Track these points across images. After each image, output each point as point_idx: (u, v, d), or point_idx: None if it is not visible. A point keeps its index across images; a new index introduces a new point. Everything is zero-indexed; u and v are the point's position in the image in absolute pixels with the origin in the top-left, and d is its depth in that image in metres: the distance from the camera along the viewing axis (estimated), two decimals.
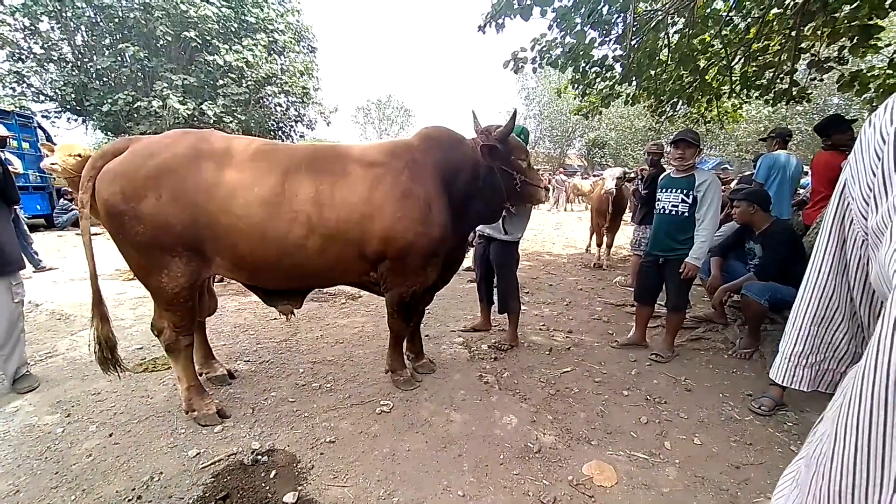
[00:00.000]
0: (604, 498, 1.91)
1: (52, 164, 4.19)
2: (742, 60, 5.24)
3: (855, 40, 3.98)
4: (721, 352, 3.50)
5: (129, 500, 1.81)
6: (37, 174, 9.04)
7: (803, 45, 4.59)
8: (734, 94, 5.63)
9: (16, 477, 1.94)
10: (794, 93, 5.01)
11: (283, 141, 17.93)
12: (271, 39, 16.55)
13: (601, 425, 2.45)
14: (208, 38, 14.52)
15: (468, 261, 6.03)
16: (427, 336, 3.70)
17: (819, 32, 4.51)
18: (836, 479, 0.56)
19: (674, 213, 3.16)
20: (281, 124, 19.70)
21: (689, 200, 3.08)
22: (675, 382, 2.99)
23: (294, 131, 20.65)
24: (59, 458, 2.07)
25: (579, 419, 2.52)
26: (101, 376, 2.84)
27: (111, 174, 2.01)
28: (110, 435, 2.25)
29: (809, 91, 5.41)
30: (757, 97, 5.59)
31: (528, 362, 3.23)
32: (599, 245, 6.70)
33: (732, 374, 3.15)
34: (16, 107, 12.25)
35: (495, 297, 3.65)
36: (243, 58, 14.81)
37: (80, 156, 4.16)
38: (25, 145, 9.24)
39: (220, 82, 15.20)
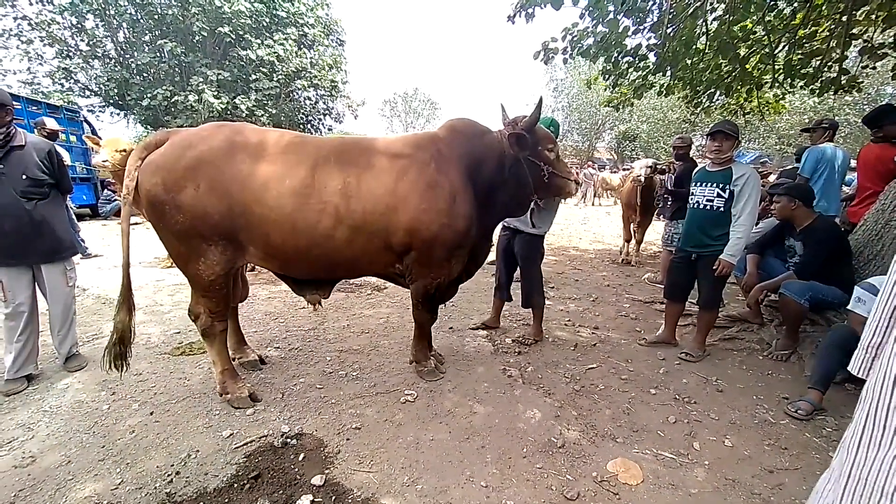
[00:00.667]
0: (629, 496, 1.88)
1: (103, 161, 4.44)
2: (786, 48, 4.96)
3: None
4: (756, 353, 3.37)
5: (169, 475, 1.91)
6: (83, 166, 9.53)
7: (855, 30, 4.32)
8: (777, 84, 5.34)
9: (67, 448, 2.08)
10: (844, 82, 4.70)
11: (312, 134, 18.26)
12: (301, 33, 16.78)
13: (627, 423, 2.42)
14: (241, 33, 14.88)
15: (493, 254, 6.02)
16: (451, 329, 3.73)
17: (873, 17, 4.22)
18: (858, 430, 0.60)
19: (708, 207, 3.05)
20: (310, 117, 20.03)
21: (725, 195, 2.97)
22: (705, 382, 2.91)
23: (322, 124, 20.97)
24: (105, 432, 2.21)
25: (605, 416, 2.49)
26: (143, 358, 3.01)
27: (153, 166, 2.11)
28: (151, 413, 2.38)
29: (861, 80, 5.08)
30: (802, 87, 5.28)
31: (553, 357, 3.21)
32: (628, 240, 6.53)
33: (768, 375, 3.03)
34: (64, 102, 12.93)
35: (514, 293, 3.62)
36: (274, 52, 15.10)
37: (125, 151, 4.40)
38: (73, 138, 9.75)
39: (253, 77, 15.57)
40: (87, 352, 3.08)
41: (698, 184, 3.16)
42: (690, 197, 3.23)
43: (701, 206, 3.11)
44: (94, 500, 1.77)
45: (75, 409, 2.41)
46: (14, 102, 2.56)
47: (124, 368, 2.28)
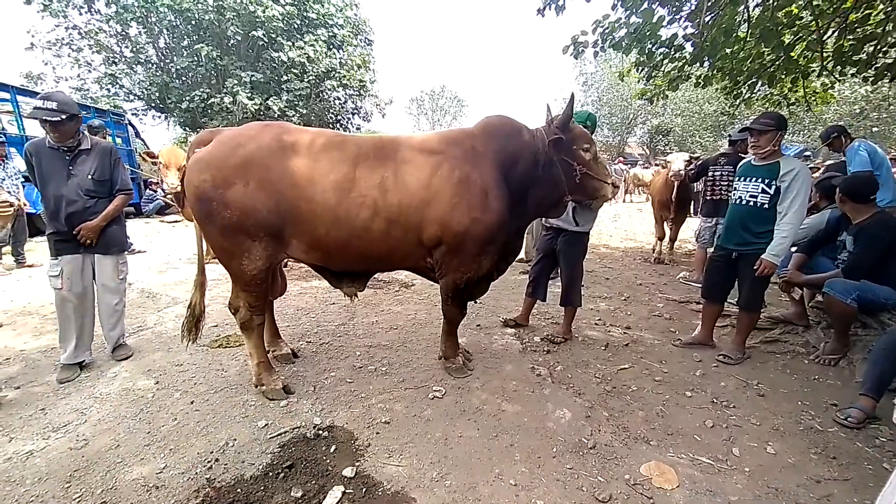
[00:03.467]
0: (664, 500, 1.83)
1: (174, 185, 4.72)
2: (836, 33, 4.66)
3: None
4: (801, 356, 3.20)
5: (209, 462, 1.99)
6: (128, 167, 10.04)
7: None
8: (825, 72, 5.04)
9: (116, 433, 2.20)
10: None
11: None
12: (331, 34, 17.05)
13: (661, 426, 2.35)
14: (274, 35, 15.27)
15: (521, 252, 5.96)
16: (479, 326, 3.72)
17: None
18: None
19: (751, 203, 2.91)
20: (339, 117, 20.35)
21: (771, 191, 2.82)
22: (745, 386, 2.79)
23: (351, 123, 21.27)
24: (150, 419, 2.33)
25: (637, 418, 2.42)
26: (184, 349, 3.14)
27: (202, 163, 2.19)
28: (192, 402, 2.49)
29: None
30: (854, 74, 4.97)
31: (583, 357, 3.15)
32: (661, 238, 6.32)
33: (814, 380, 2.87)
34: (110, 105, 13.66)
35: (549, 292, 3.58)
36: (305, 53, 15.42)
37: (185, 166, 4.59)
38: (119, 140, 10.29)
39: (284, 78, 15.96)
40: (132, 342, 3.25)
41: (742, 178, 3.01)
42: (733, 192, 3.09)
43: (744, 202, 2.96)
44: (140, 482, 1.87)
45: (123, 396, 2.55)
46: None
47: (192, 341, 2.59)
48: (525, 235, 5.80)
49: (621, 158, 23.03)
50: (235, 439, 2.16)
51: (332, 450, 2.09)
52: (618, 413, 2.46)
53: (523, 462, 2.04)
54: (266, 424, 2.28)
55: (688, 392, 2.69)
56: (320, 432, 2.22)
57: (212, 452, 2.06)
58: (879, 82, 4.80)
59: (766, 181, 2.83)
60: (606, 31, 4.76)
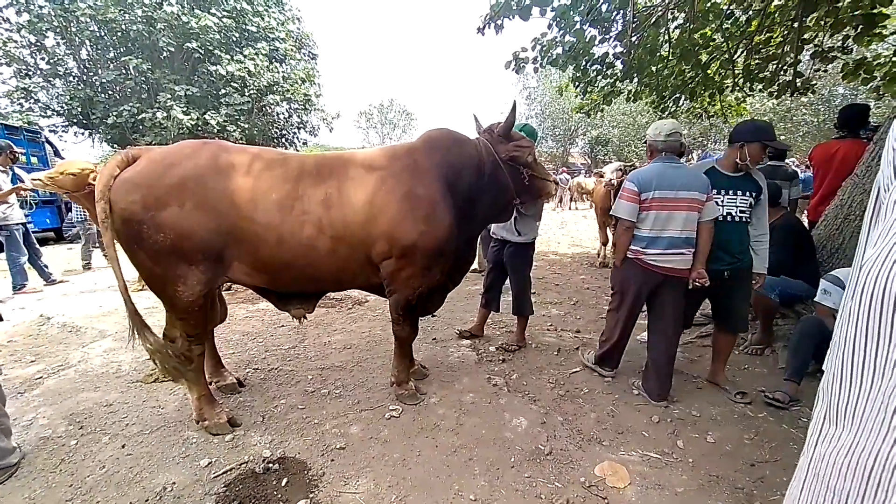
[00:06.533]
0: (617, 499, 1.89)
1: (35, 179, 4.06)
2: (744, 53, 5.20)
3: (859, 29, 3.93)
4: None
5: None
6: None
7: (806, 35, 4.55)
8: (737, 88, 5.59)
9: (31, 490, 1.96)
10: (799, 84, 4.96)
11: (286, 148, 18.07)
12: (272, 48, 16.64)
13: (612, 425, 2.44)
14: (210, 48, 14.64)
15: (475, 263, 6.04)
16: (435, 339, 3.70)
17: (822, 22, 4.47)
18: (818, 426, 0.74)
19: (743, 219, 2.66)
20: (284, 132, 19.79)
21: (754, 204, 2.68)
22: (685, 380, 2.97)
23: (297, 138, 20.74)
24: (73, 470, 2.09)
25: (590, 420, 2.50)
26: (113, 388, 2.87)
27: (130, 184, 2.02)
28: (123, 446, 2.27)
29: (814, 82, 5.36)
30: (760, 90, 5.54)
31: (537, 363, 3.22)
32: (604, 243, 6.67)
33: (744, 370, 3.11)
34: (24, 122, 12.45)
35: (502, 303, 3.64)
36: (245, 67, 14.90)
37: (74, 174, 3.99)
38: (34, 160, 9.38)
39: (223, 92, 15.31)
40: (52, 384, 2.93)
41: (726, 190, 2.64)
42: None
43: (736, 219, 2.65)
44: None
45: (40, 446, 2.27)
46: None
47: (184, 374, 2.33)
48: (478, 246, 5.91)
49: (565, 168, 24.08)
50: (174, 483, 1.99)
51: (283, 483, 1.98)
52: (571, 416, 2.53)
53: (482, 475, 2.04)
54: (210, 463, 2.12)
55: (635, 390, 2.82)
56: (270, 465, 2.09)
57: (147, 501, 1.88)
58: (782, 96, 5.37)
59: (753, 195, 2.64)
60: (544, 48, 5.00)
